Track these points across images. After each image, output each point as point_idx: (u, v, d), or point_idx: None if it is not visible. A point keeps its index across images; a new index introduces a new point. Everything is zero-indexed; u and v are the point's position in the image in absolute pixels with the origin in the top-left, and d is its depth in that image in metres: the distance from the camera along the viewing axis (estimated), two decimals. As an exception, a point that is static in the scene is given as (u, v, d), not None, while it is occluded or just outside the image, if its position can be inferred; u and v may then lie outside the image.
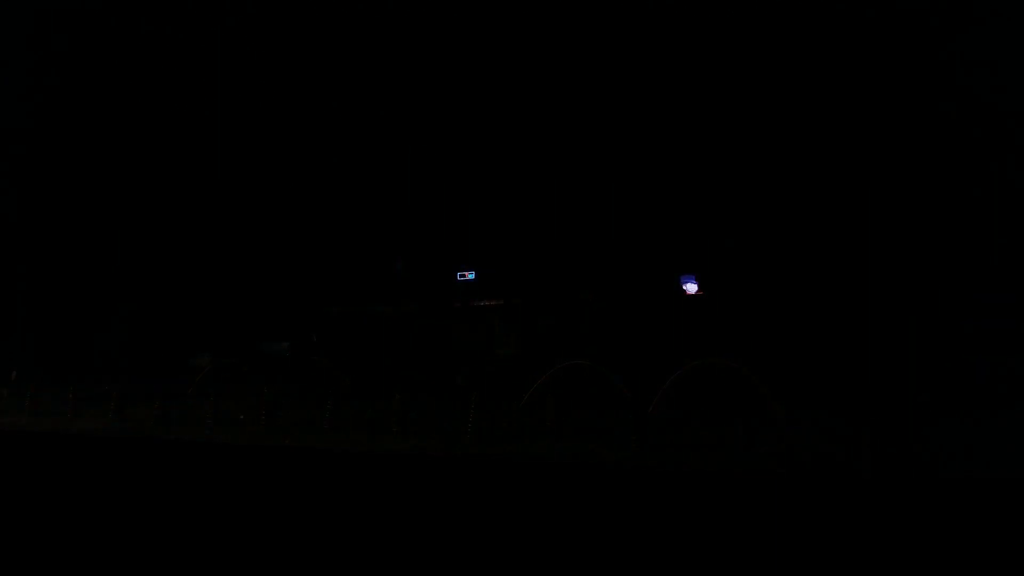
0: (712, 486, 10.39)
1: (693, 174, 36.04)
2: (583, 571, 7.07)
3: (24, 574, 7.28)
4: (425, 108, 39.82)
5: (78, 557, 7.68)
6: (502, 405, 19.64)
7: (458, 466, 12.22)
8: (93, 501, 10.32)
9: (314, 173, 44.08)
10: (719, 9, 34.41)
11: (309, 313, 46.03)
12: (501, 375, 28.75)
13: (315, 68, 42.47)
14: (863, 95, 31.21)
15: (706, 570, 7.13)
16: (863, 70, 31.17)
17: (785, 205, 32.54)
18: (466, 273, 42.90)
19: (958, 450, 12.38)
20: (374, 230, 41.02)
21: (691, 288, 36.40)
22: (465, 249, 41.21)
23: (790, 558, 7.36)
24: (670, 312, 36.44)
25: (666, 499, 10.04)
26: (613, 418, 16.07)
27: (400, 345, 37.77)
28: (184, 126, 43.81)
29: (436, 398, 23.45)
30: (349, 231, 43.05)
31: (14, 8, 42.24)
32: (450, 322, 38.45)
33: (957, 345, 24.58)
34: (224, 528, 8.72)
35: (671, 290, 36.54)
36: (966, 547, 7.59)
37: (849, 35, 31.33)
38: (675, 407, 18.80)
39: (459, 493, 10.72)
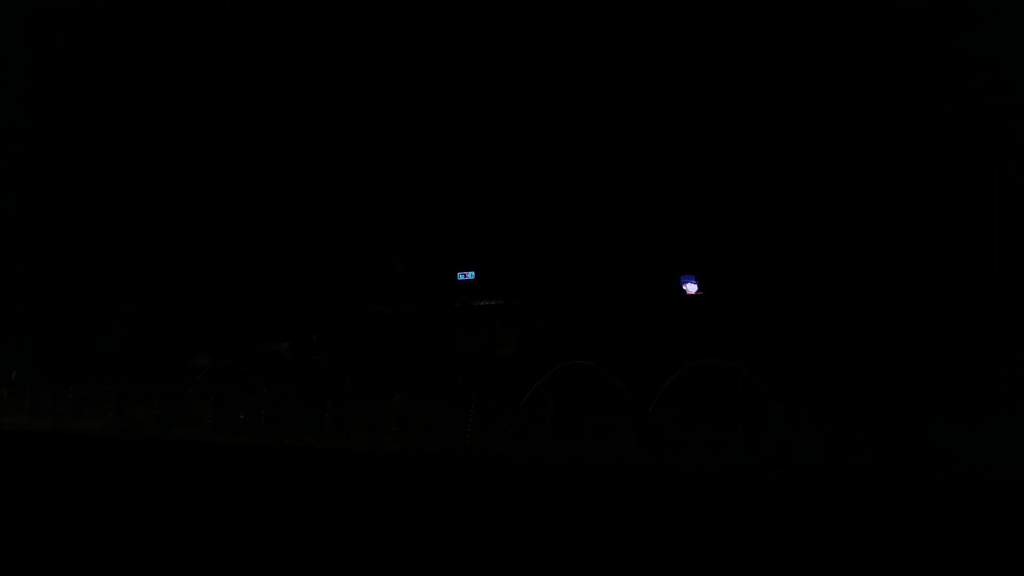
0: (712, 486, 10.39)
1: (693, 174, 36.03)
2: (583, 571, 7.06)
3: (25, 574, 7.28)
4: (425, 108, 39.82)
5: (79, 557, 7.68)
6: (502, 405, 19.63)
7: (458, 466, 12.21)
8: (94, 501, 10.32)
9: (314, 174, 44.08)
10: (719, 8, 34.40)
11: (309, 313, 46.06)
12: (501, 375, 28.74)
13: (315, 69, 42.48)
14: (863, 95, 31.20)
15: (706, 570, 7.13)
16: (863, 70, 31.16)
17: (785, 205, 32.52)
18: (466, 273, 42.91)
19: (958, 450, 12.38)
20: (374, 230, 41.02)
21: (691, 288, 36.39)
22: (465, 249, 41.19)
23: (790, 558, 7.36)
24: (670, 312, 36.42)
25: (666, 499, 10.03)
26: (613, 418, 16.06)
27: (400, 345, 37.75)
28: (184, 126, 43.82)
29: (436, 398, 23.44)
30: (349, 231, 43.06)
31: (14, 8, 42.23)
32: (450, 322, 38.45)
33: (957, 345, 24.55)
34: (224, 528, 8.72)
35: (671, 290, 36.53)
36: (965, 547, 7.59)
37: (849, 34, 31.32)
38: (675, 407, 18.80)
39: (459, 493, 10.72)
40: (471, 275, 42.93)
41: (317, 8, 41.71)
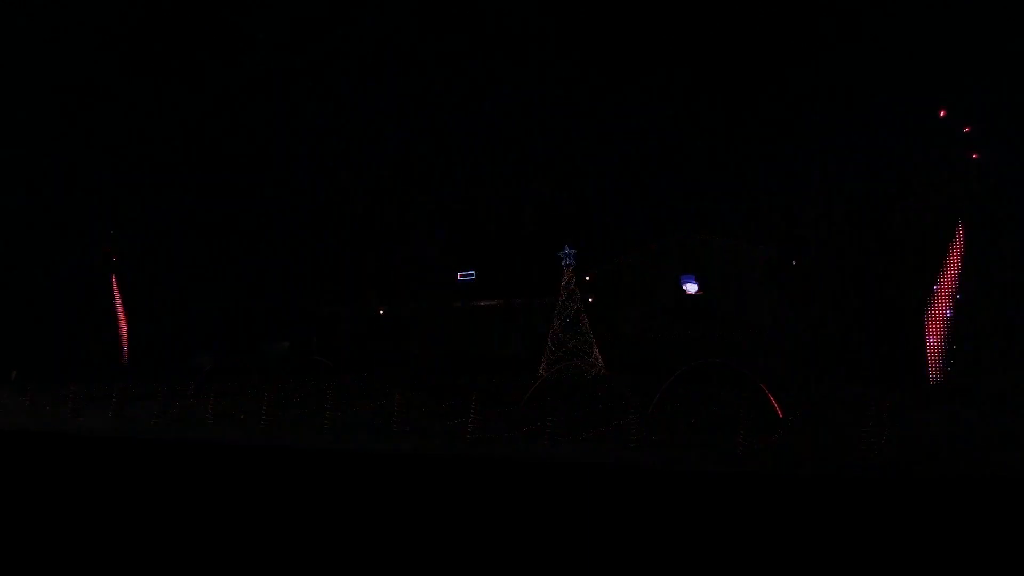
0: (712, 486, 10.38)
1: (692, 174, 36.01)
2: (583, 571, 7.07)
3: (25, 574, 7.28)
4: (425, 109, 39.85)
5: (78, 557, 7.68)
6: (502, 405, 19.64)
7: (458, 466, 12.21)
8: (94, 501, 10.32)
9: (314, 175, 44.10)
10: (720, 7, 34.40)
11: (309, 313, 46.07)
12: (501, 375, 28.76)
13: (314, 70, 42.49)
14: (862, 94, 31.17)
15: (705, 571, 7.13)
16: (863, 68, 31.12)
17: (785, 206, 32.52)
18: (467, 273, 42.92)
19: (958, 449, 12.38)
20: (373, 231, 41.04)
21: (691, 288, 36.41)
22: (465, 249, 41.20)
23: (790, 558, 7.36)
24: (670, 312, 36.38)
25: (666, 499, 10.03)
26: (613, 418, 16.06)
27: (400, 344, 37.74)
28: (186, 126, 43.84)
29: (436, 398, 23.41)
30: (349, 232, 43.08)
31: (15, 8, 42.24)
32: (450, 322, 38.45)
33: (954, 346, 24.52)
34: (224, 528, 8.72)
35: (671, 290, 36.52)
36: (966, 547, 7.59)
37: (851, 31, 31.31)
38: (675, 407, 18.79)
39: (459, 493, 10.72)
40: (471, 275, 42.95)
41: (319, 10, 41.75)
